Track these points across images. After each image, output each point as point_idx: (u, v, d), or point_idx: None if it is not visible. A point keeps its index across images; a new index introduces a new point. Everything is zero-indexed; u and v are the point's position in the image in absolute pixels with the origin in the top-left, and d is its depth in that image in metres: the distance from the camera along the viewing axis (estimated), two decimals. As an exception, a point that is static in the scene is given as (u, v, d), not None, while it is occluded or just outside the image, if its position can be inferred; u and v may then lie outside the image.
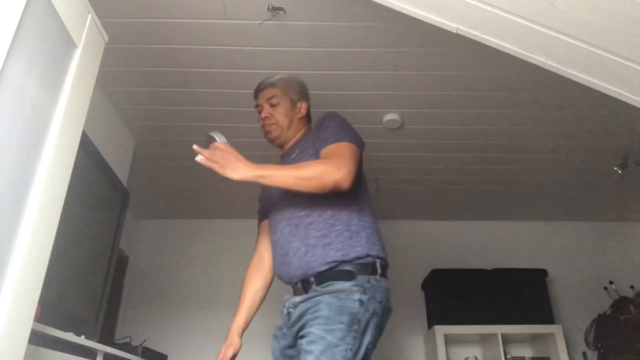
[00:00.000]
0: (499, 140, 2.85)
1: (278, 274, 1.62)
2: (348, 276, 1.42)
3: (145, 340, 2.80)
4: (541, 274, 3.50)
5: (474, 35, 1.38)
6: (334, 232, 1.48)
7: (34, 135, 1.06)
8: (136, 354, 2.30)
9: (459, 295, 3.39)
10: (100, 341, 2.04)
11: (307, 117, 1.80)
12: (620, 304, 3.36)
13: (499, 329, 3.23)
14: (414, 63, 2.25)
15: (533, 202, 3.64)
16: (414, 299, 3.65)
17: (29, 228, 1.01)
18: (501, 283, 3.44)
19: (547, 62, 1.36)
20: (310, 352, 1.33)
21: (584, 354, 3.36)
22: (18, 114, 1.00)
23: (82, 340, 1.64)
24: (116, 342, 2.77)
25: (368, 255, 1.47)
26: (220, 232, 3.79)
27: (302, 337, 1.40)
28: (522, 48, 1.36)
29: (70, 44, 1.19)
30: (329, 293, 1.40)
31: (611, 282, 3.55)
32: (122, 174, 2.65)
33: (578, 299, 3.64)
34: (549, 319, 3.34)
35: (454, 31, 1.40)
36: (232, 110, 2.58)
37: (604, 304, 3.47)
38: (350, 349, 1.33)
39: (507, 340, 3.34)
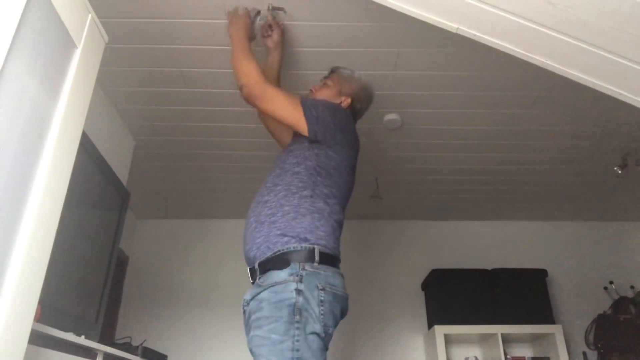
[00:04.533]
0: (499, 140, 2.85)
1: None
2: (283, 264, 1.42)
3: (145, 340, 2.80)
4: (541, 274, 3.50)
5: (474, 35, 1.38)
6: (280, 212, 1.51)
7: (34, 135, 1.06)
8: (136, 354, 2.30)
9: (459, 295, 3.39)
10: (100, 341, 2.05)
11: None
12: (620, 304, 3.36)
13: (499, 329, 3.23)
14: (414, 63, 2.25)
15: (533, 202, 3.64)
16: (414, 299, 3.66)
17: (29, 228, 1.01)
18: (501, 283, 3.44)
19: (547, 62, 1.36)
20: (260, 356, 1.34)
21: (584, 354, 3.36)
22: (18, 113, 1.00)
23: (82, 340, 1.64)
24: (116, 342, 2.77)
25: (306, 240, 1.45)
26: (220, 232, 3.79)
27: (251, 339, 1.41)
28: (522, 48, 1.36)
29: (70, 44, 1.20)
30: (268, 288, 1.41)
31: (611, 282, 3.56)
32: (122, 174, 2.65)
33: (578, 299, 3.64)
34: (549, 319, 3.34)
35: (454, 31, 1.40)
36: (232, 110, 2.58)
37: (604, 304, 3.48)
38: (297, 340, 1.32)
39: (507, 340, 3.34)
